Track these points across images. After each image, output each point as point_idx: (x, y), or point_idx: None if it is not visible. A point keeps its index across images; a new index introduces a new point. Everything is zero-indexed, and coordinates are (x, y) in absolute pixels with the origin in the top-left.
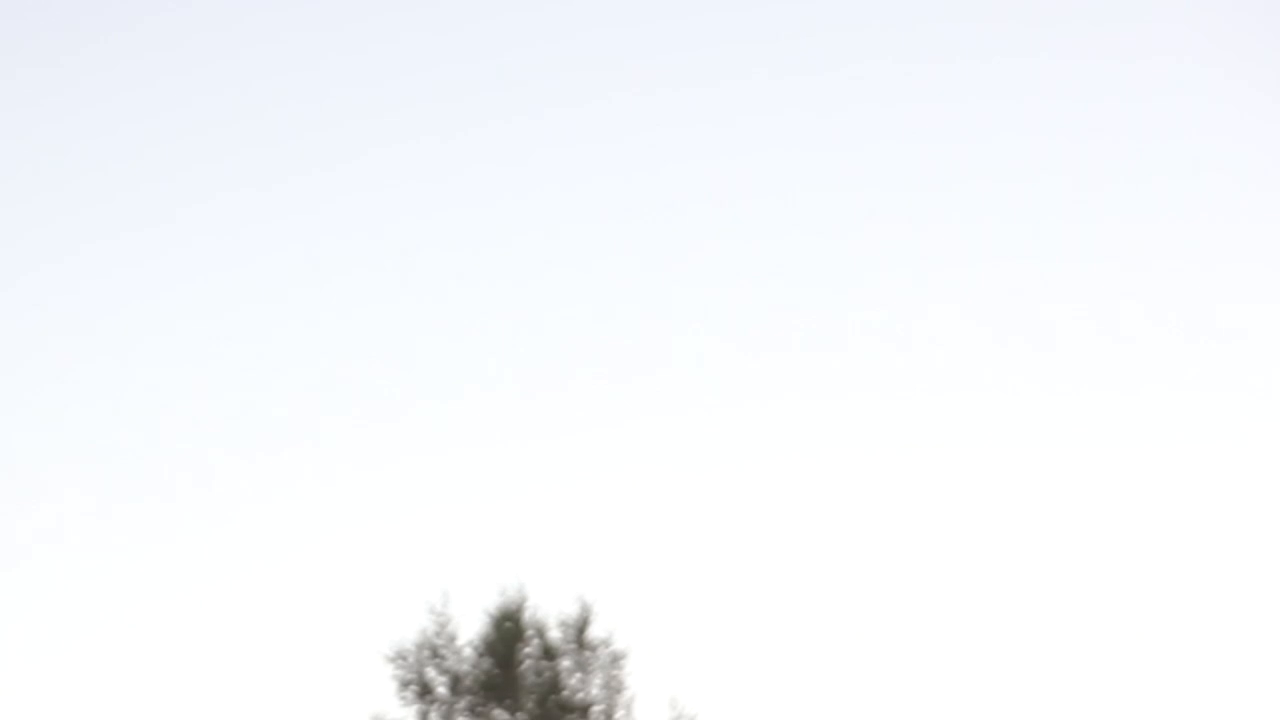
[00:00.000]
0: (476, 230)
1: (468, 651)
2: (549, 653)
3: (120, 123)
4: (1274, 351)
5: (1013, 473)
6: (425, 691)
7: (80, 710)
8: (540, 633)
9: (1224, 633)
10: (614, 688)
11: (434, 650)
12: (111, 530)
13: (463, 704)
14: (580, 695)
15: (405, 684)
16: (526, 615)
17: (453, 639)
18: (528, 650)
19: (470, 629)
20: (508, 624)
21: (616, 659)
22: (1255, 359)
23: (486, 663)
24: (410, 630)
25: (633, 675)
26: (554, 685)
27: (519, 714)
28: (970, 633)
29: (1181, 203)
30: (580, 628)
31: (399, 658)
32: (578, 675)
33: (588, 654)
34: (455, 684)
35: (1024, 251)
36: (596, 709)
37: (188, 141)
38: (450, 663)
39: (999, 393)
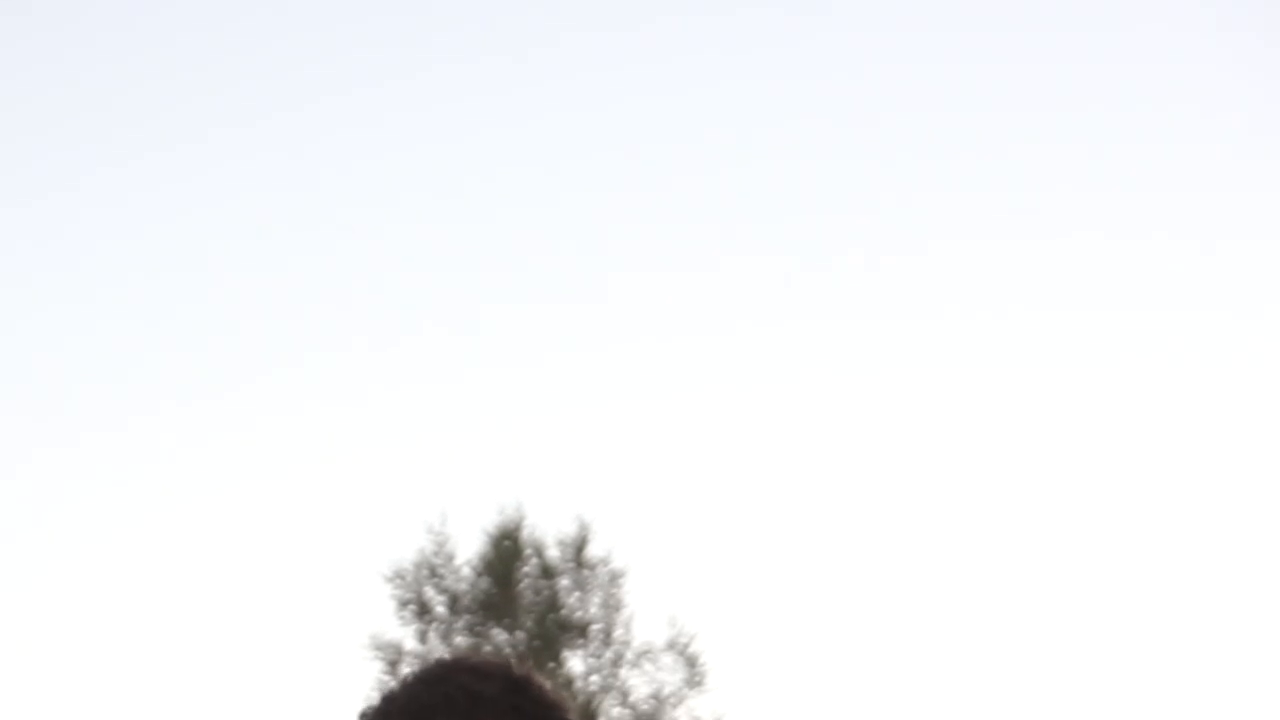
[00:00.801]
0: (481, 151)
1: (466, 571)
2: (547, 572)
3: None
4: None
5: (1013, 390)
6: (424, 611)
7: (78, 622)
8: (538, 552)
9: (1225, 621)
10: (612, 606)
11: (432, 570)
12: (110, 448)
13: (461, 623)
14: (579, 614)
15: (404, 604)
16: (525, 534)
17: (451, 558)
18: (526, 569)
19: (469, 548)
20: (506, 543)
21: (615, 577)
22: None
23: (485, 582)
24: (409, 550)
25: (631, 593)
26: (552, 604)
27: (518, 633)
28: (970, 544)
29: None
30: (579, 546)
31: (397, 577)
32: (576, 594)
33: (586, 573)
34: (454, 603)
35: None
36: (595, 627)
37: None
38: (449, 582)
39: (1000, 306)
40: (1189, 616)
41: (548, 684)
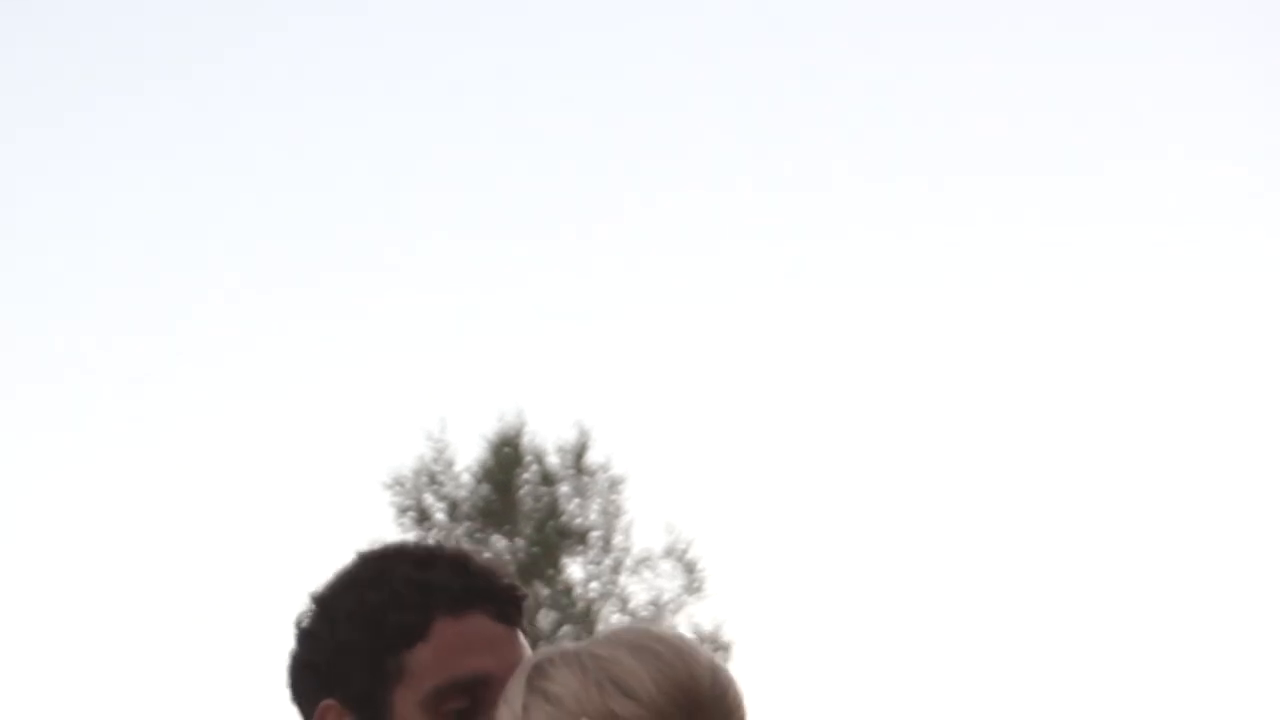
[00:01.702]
0: (485, 63)
1: (465, 478)
2: (547, 478)
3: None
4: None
5: (1027, 299)
6: (423, 518)
7: (82, 530)
8: (538, 458)
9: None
10: (612, 513)
11: (432, 477)
12: (109, 362)
13: (461, 530)
14: (578, 521)
15: (403, 510)
16: (524, 441)
17: (450, 465)
18: (526, 476)
19: (468, 455)
20: (506, 450)
21: (614, 484)
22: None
23: (484, 489)
24: (408, 457)
25: (630, 500)
26: (552, 511)
27: (517, 540)
28: (976, 459)
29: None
30: (578, 453)
31: (397, 484)
32: (576, 501)
33: (586, 479)
34: (453, 510)
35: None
36: (594, 534)
37: None
38: (448, 489)
39: (1014, 221)
40: (1212, 593)
41: (486, 554)
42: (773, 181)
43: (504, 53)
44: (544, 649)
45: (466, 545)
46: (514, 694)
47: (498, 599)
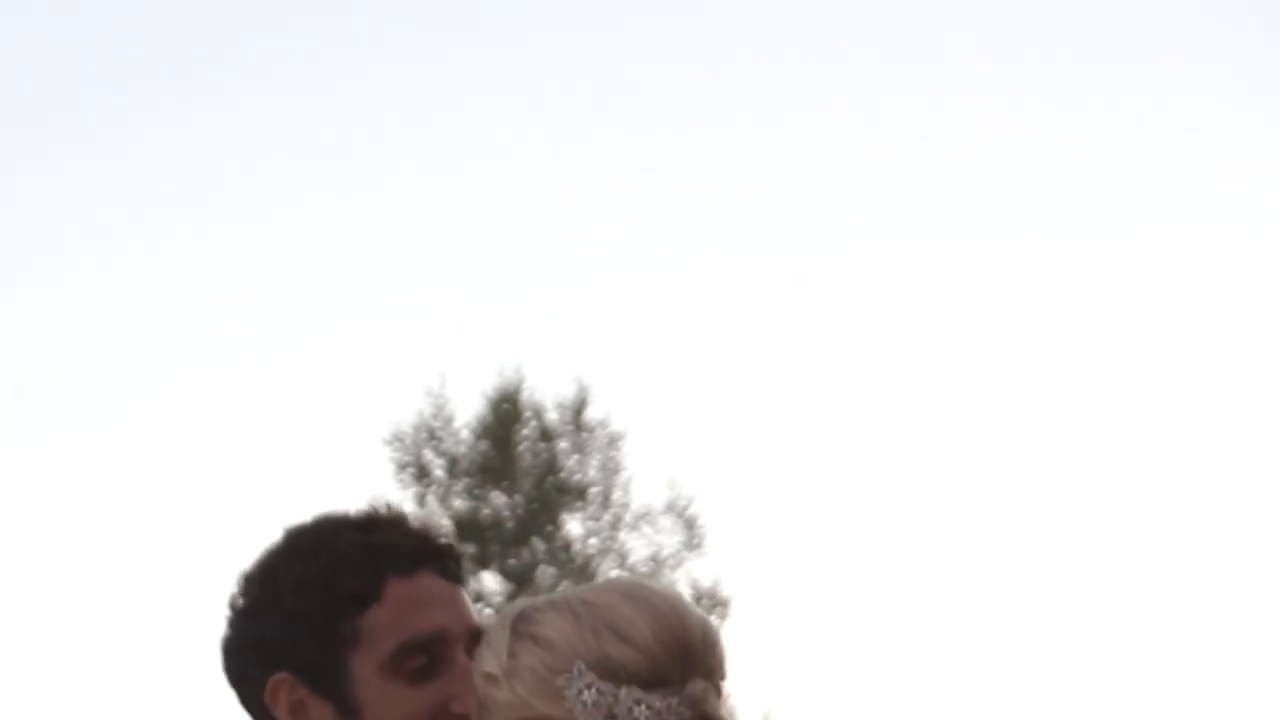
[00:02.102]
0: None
1: (465, 434)
2: (546, 434)
3: None
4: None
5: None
6: (422, 474)
7: (75, 497)
8: (537, 414)
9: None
10: (611, 469)
11: (431, 433)
12: (107, 323)
13: (460, 486)
14: (577, 477)
15: (402, 466)
16: (524, 397)
17: (450, 421)
18: (525, 432)
19: (467, 411)
20: (505, 406)
21: (614, 440)
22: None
23: (483, 445)
24: (407, 413)
25: (630, 456)
26: (551, 467)
27: (516, 496)
28: (977, 412)
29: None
30: (578, 409)
31: (396, 440)
32: (575, 457)
33: (585, 435)
34: (452, 466)
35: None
36: (594, 490)
37: None
38: (447, 445)
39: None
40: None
41: (418, 514)
42: (776, 137)
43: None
44: (524, 599)
45: (397, 508)
46: (498, 640)
47: (443, 557)
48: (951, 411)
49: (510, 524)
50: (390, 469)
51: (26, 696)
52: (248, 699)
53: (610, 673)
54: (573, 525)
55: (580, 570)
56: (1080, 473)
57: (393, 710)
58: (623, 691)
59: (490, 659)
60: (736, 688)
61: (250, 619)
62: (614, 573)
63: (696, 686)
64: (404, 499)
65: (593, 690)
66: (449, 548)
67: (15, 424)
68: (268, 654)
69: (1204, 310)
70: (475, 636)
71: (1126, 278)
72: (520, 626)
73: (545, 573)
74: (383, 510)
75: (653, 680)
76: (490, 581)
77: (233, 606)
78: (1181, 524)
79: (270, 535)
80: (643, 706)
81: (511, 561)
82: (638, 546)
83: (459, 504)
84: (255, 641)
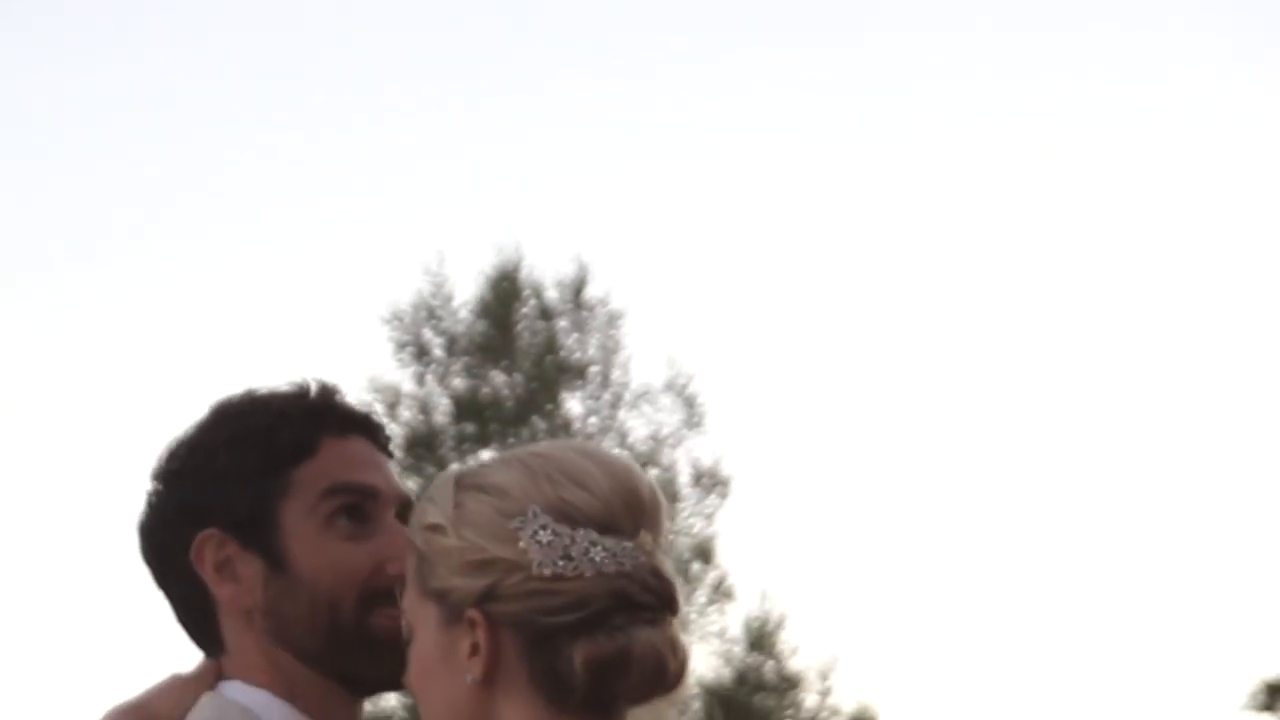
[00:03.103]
0: None
1: (464, 313)
2: (545, 313)
3: None
4: None
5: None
6: (422, 353)
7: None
8: (537, 293)
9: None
10: (611, 348)
11: (430, 311)
12: (105, 198)
13: (459, 365)
14: (577, 355)
15: (402, 346)
16: (523, 275)
17: (449, 300)
18: (524, 311)
19: (466, 290)
20: (504, 284)
21: (613, 319)
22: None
23: (482, 324)
24: (406, 292)
25: (630, 334)
26: (550, 346)
27: (515, 375)
28: (984, 288)
29: None
30: (577, 288)
31: (395, 320)
32: (574, 335)
33: (584, 314)
34: (451, 345)
35: None
36: (593, 369)
37: None
38: (446, 324)
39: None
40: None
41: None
42: (779, 13)
43: None
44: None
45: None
46: (441, 495)
47: (374, 428)
48: (959, 291)
49: (510, 403)
50: (389, 348)
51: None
52: (168, 567)
53: (566, 516)
54: (572, 404)
55: None
56: (1082, 359)
57: (325, 564)
58: (579, 533)
59: (433, 511)
60: (735, 565)
61: (176, 482)
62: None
63: (646, 537)
64: (403, 378)
65: (548, 531)
66: (379, 424)
67: (15, 309)
68: (194, 514)
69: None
70: (406, 505)
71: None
72: (465, 480)
73: None
74: (313, 382)
75: (606, 525)
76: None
77: (157, 475)
78: (1186, 426)
79: None
80: (599, 548)
81: (511, 441)
82: (637, 425)
83: (458, 383)
84: (180, 505)
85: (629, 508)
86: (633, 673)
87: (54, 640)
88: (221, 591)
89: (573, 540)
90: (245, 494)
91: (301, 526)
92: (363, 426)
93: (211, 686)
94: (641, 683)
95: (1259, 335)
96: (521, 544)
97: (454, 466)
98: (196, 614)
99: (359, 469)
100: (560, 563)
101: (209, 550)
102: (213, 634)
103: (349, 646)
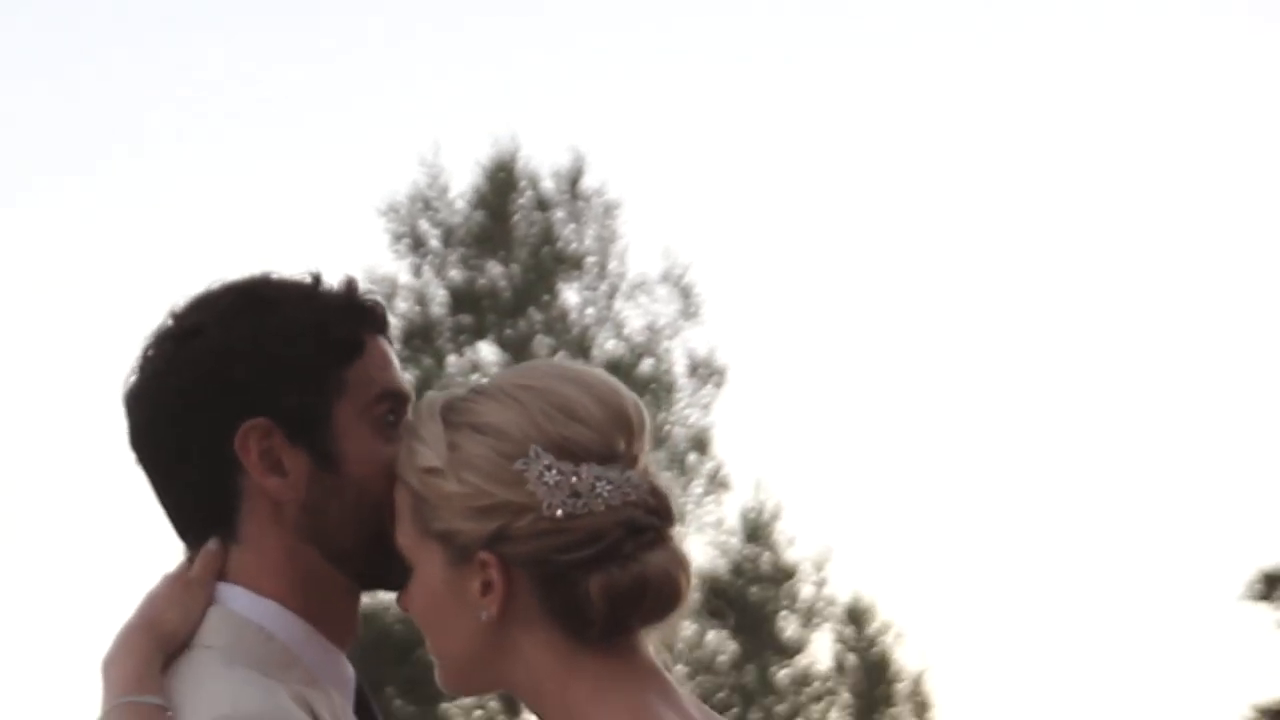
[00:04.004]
0: None
1: (460, 204)
2: (542, 204)
3: None
4: None
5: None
6: (418, 244)
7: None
8: (533, 184)
9: None
10: (607, 238)
11: (426, 203)
12: (105, 99)
13: (455, 256)
14: (574, 246)
15: (398, 237)
16: (519, 166)
17: (445, 191)
18: (521, 202)
19: (462, 181)
20: (500, 175)
21: (610, 209)
22: None
23: (479, 215)
24: (402, 183)
25: (626, 225)
26: (547, 236)
27: (512, 266)
28: (983, 178)
29: None
30: (573, 178)
31: (391, 211)
32: (571, 226)
33: (581, 204)
34: (448, 236)
35: None
36: (590, 260)
37: None
38: (443, 215)
39: None
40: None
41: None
42: None
43: None
44: (434, 392)
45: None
46: (429, 432)
47: (388, 326)
48: (954, 179)
49: (506, 294)
50: (386, 240)
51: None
52: (189, 449)
53: (568, 453)
54: (569, 295)
55: (577, 341)
56: (1083, 254)
57: (373, 461)
58: (583, 469)
59: (425, 452)
60: (731, 456)
61: (214, 364)
62: (611, 344)
63: (642, 459)
64: (399, 270)
65: (554, 471)
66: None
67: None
68: (240, 399)
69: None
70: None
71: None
72: (453, 418)
73: (542, 343)
74: (325, 276)
75: (606, 456)
76: (487, 352)
77: (181, 352)
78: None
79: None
80: (603, 482)
81: (508, 332)
82: (634, 316)
83: (455, 274)
84: (224, 388)
85: (623, 434)
86: (649, 598)
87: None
88: (267, 483)
89: (578, 477)
90: (298, 387)
91: (355, 428)
92: (385, 324)
93: (212, 590)
94: (657, 605)
95: (1253, 242)
96: (529, 486)
97: (432, 395)
98: (213, 502)
99: (395, 372)
100: (569, 501)
101: (254, 439)
102: (227, 525)
103: (386, 549)
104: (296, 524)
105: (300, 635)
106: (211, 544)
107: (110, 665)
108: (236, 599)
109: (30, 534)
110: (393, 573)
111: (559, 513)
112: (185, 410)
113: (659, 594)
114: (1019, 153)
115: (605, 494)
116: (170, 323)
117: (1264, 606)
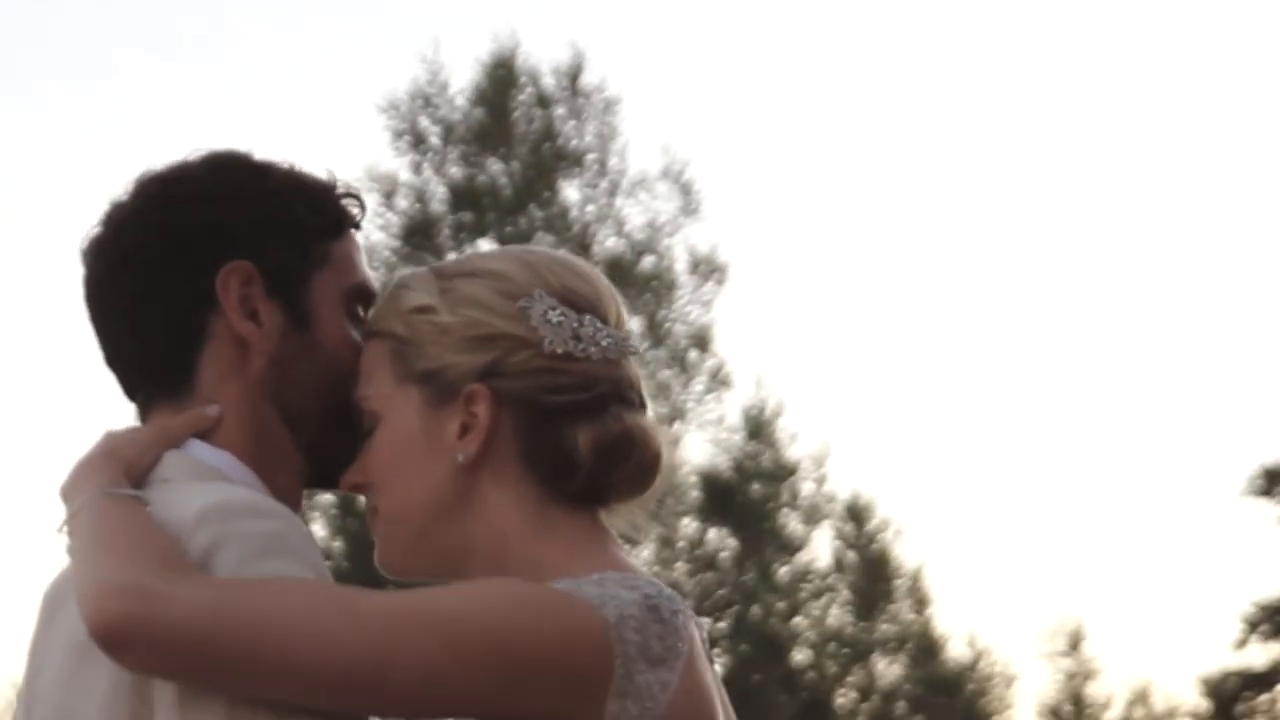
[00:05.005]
0: None
1: (460, 100)
2: (542, 101)
3: None
4: None
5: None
6: (418, 141)
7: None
8: (533, 80)
9: None
10: (607, 135)
11: (426, 100)
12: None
13: (456, 153)
14: (574, 143)
15: (398, 134)
16: (519, 62)
17: (445, 88)
18: (521, 98)
19: (462, 77)
20: (500, 72)
21: (610, 105)
22: None
23: (479, 112)
24: (402, 80)
25: (626, 122)
26: (547, 133)
27: (512, 163)
28: (972, 99)
29: None
30: (574, 74)
31: (391, 108)
32: (571, 123)
33: (581, 101)
34: (448, 133)
35: None
36: (590, 156)
37: None
38: (443, 112)
39: None
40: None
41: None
42: None
43: None
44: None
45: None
46: (420, 284)
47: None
48: (955, 70)
49: (507, 191)
50: (386, 137)
51: None
52: (158, 286)
53: (570, 302)
54: (569, 192)
55: (578, 238)
56: (1080, 146)
57: (344, 336)
58: (585, 318)
59: (414, 296)
60: (733, 353)
61: (209, 204)
62: (611, 241)
63: (629, 334)
64: (400, 167)
65: (557, 312)
66: None
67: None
68: (227, 240)
69: None
70: None
71: None
72: (445, 270)
73: (542, 240)
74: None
75: (604, 317)
76: (487, 249)
77: (169, 183)
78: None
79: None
80: (604, 334)
81: (509, 229)
82: (634, 213)
83: (455, 171)
84: (211, 228)
85: (614, 307)
86: (633, 458)
87: None
88: (243, 327)
89: (580, 324)
90: (286, 244)
91: (330, 302)
92: (359, 225)
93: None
94: (637, 471)
95: (1258, 139)
96: (532, 322)
97: (408, 270)
98: (175, 346)
99: (368, 271)
100: (570, 342)
101: (236, 281)
102: (187, 371)
103: (339, 422)
104: (261, 378)
105: (251, 485)
106: (212, 409)
107: (76, 478)
108: (192, 446)
109: None
110: (341, 453)
111: (559, 350)
112: (168, 247)
113: (643, 455)
114: (1013, 57)
115: (604, 344)
116: (152, 172)
117: (1264, 502)
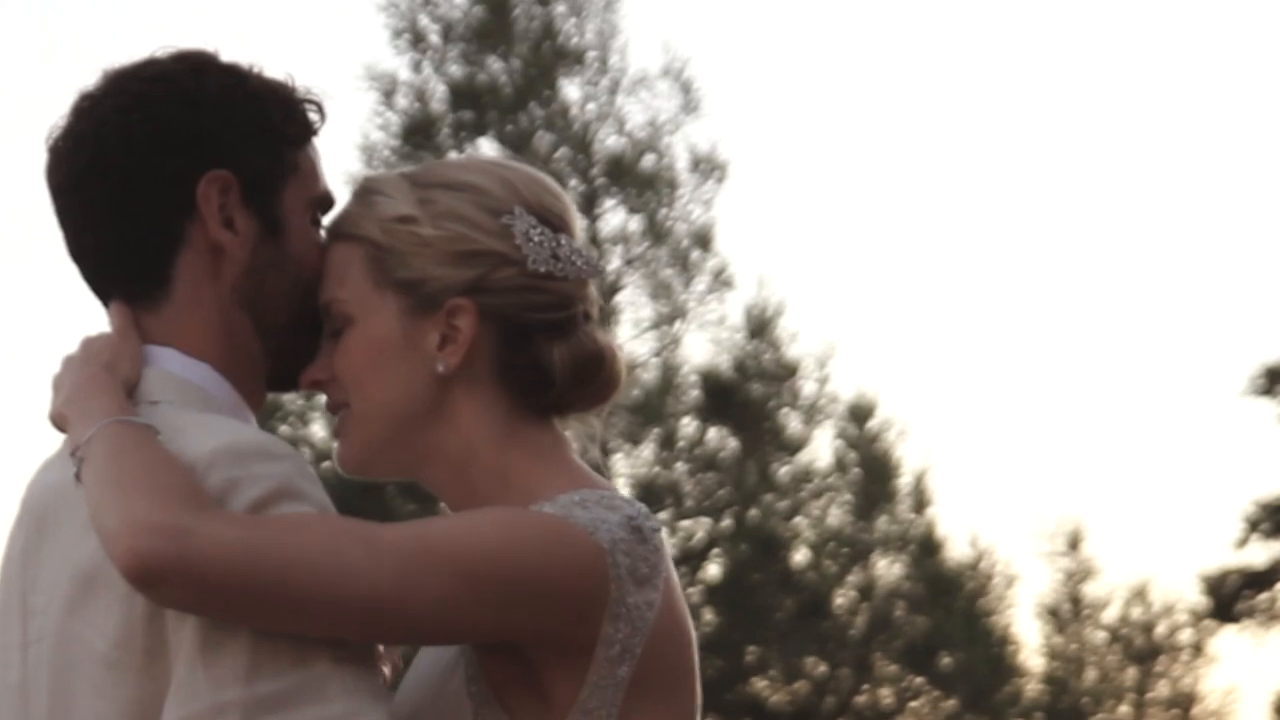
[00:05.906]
0: None
1: None
2: None
3: None
4: None
5: None
6: (418, 40)
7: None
8: None
9: None
10: (608, 32)
11: None
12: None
13: (455, 52)
14: (575, 41)
15: (397, 33)
16: None
17: None
18: None
19: None
20: None
21: (611, 2)
22: None
23: (479, 10)
24: None
25: (627, 19)
26: (548, 31)
27: (513, 61)
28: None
29: None
30: None
31: (391, 6)
32: (572, 20)
33: None
34: (448, 31)
35: None
36: (591, 54)
37: None
38: (442, 10)
39: None
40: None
41: None
42: None
43: None
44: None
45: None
46: (394, 189)
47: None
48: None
49: (507, 90)
50: (385, 35)
51: None
52: (135, 192)
53: (546, 220)
54: (570, 90)
55: (578, 137)
56: (1083, 51)
57: (312, 252)
58: (561, 237)
59: (392, 203)
60: (734, 252)
61: (193, 108)
62: (612, 139)
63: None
64: (399, 65)
65: (539, 231)
66: None
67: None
68: (210, 147)
69: None
70: None
71: None
72: (420, 178)
73: (543, 138)
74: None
75: (572, 234)
76: (488, 148)
77: (150, 83)
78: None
79: None
80: (578, 254)
81: (509, 128)
82: (635, 111)
83: (454, 70)
84: (198, 132)
85: (576, 220)
86: (603, 374)
87: None
88: (221, 235)
89: (558, 243)
90: (263, 150)
91: (298, 209)
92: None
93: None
94: (604, 385)
95: (1261, 60)
96: (515, 240)
97: (379, 174)
98: (152, 251)
99: (326, 179)
100: (551, 262)
101: (215, 190)
102: (161, 275)
103: (305, 330)
104: (236, 285)
105: (232, 401)
106: (117, 304)
107: (80, 400)
108: (169, 360)
109: None
110: (303, 356)
111: (542, 269)
112: (152, 150)
113: (611, 370)
114: None
115: (579, 264)
116: (127, 68)
117: (1265, 401)
